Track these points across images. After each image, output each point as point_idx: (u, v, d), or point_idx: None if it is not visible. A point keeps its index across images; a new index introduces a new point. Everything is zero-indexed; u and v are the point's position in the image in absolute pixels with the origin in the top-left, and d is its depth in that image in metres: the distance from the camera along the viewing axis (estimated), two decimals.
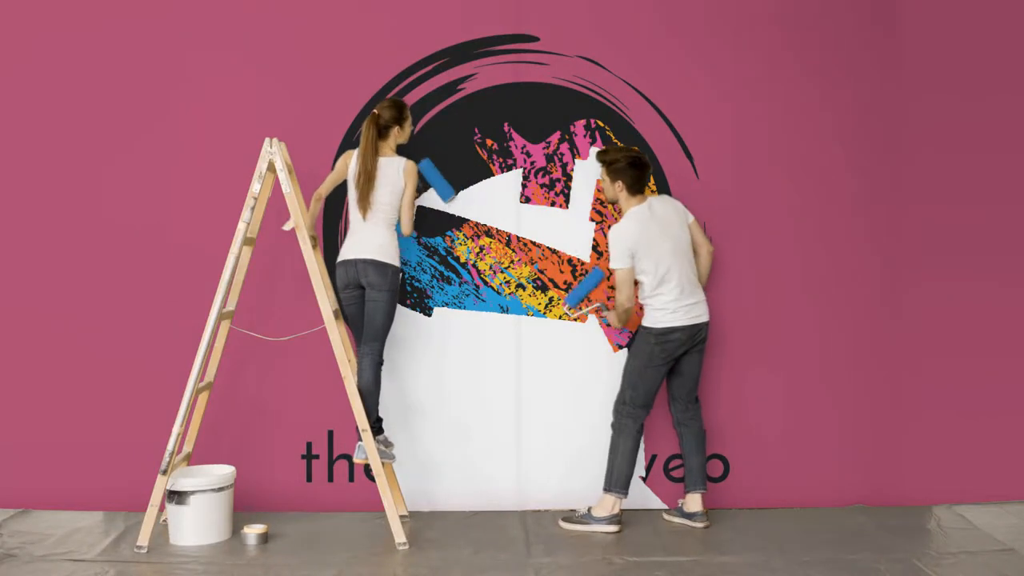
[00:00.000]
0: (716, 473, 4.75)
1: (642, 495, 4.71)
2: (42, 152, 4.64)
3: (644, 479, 4.74)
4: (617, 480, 4.40)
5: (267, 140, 4.25)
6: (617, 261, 4.33)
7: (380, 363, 4.35)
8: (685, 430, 4.52)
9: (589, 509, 4.44)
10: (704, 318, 4.41)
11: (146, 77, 4.63)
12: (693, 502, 4.47)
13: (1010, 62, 4.75)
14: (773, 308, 4.74)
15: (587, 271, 4.70)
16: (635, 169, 4.36)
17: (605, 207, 4.71)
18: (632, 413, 4.43)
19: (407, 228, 4.35)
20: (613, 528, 4.37)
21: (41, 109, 4.64)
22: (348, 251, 4.32)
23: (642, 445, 4.72)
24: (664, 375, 4.43)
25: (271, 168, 4.28)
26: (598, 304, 4.62)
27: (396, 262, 4.32)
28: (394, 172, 4.29)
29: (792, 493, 4.74)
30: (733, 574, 3.90)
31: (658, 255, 4.31)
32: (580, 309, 4.68)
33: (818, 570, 3.91)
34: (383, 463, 4.30)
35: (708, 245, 4.50)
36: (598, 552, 4.13)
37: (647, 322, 4.40)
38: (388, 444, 4.41)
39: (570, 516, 4.47)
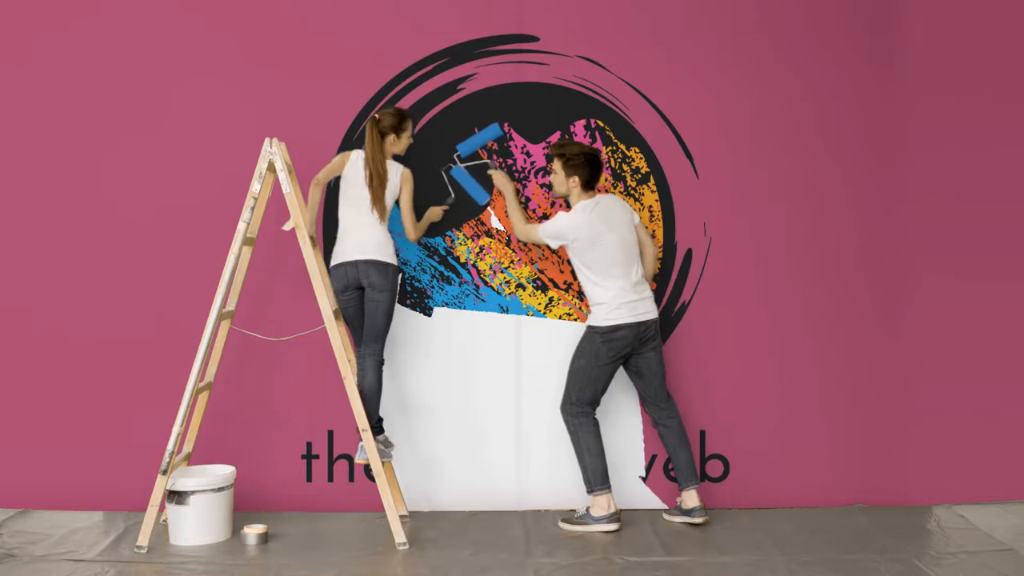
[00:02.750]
0: (716, 473, 4.75)
1: (642, 495, 4.72)
2: (42, 152, 4.64)
3: (644, 479, 4.74)
4: (595, 478, 4.41)
5: (267, 140, 4.25)
6: (544, 232, 4.38)
7: (382, 363, 4.36)
8: (665, 429, 4.52)
9: (588, 510, 4.44)
10: (651, 315, 4.42)
11: (146, 77, 4.63)
12: (689, 498, 4.47)
13: (1013, 59, 4.75)
14: (773, 308, 4.73)
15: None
16: (592, 167, 4.39)
17: None
18: (583, 411, 4.44)
19: (412, 234, 4.40)
20: (612, 527, 4.37)
21: (40, 108, 4.63)
22: (347, 252, 4.32)
23: (641, 444, 4.73)
24: (612, 373, 4.44)
25: (271, 168, 4.28)
26: (490, 164, 4.62)
27: (395, 261, 4.34)
28: (393, 176, 4.33)
29: (792, 493, 4.74)
30: (733, 574, 3.90)
31: (604, 249, 4.34)
32: (473, 161, 4.64)
33: (818, 570, 3.92)
34: (383, 463, 4.30)
35: (653, 246, 4.54)
36: (598, 552, 4.13)
37: (592, 321, 4.41)
38: (388, 444, 4.41)
39: (569, 517, 4.47)
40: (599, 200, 4.42)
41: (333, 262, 4.36)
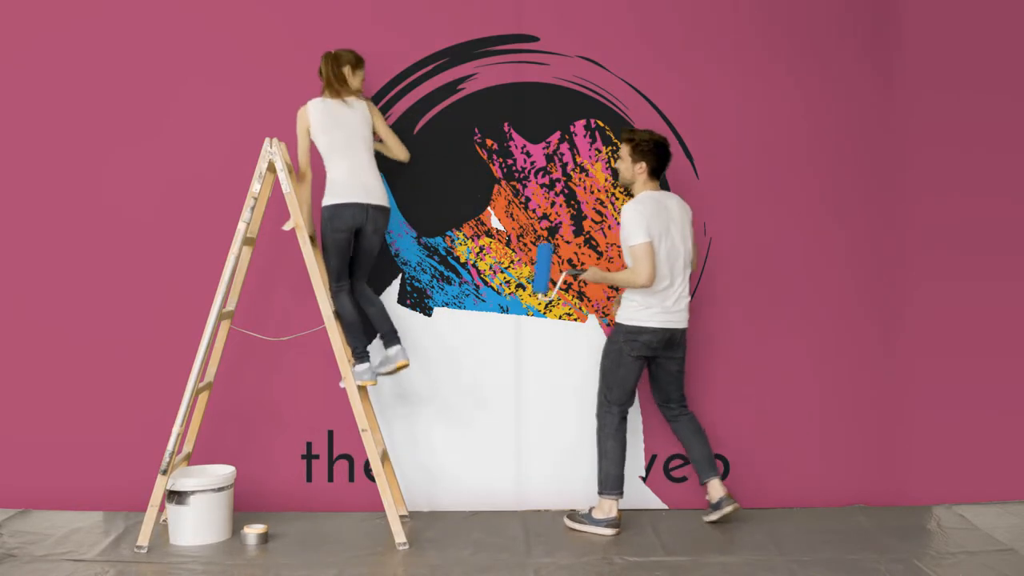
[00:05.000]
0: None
1: (642, 495, 4.71)
2: (42, 152, 4.64)
3: (644, 479, 4.74)
4: (606, 481, 4.38)
5: (267, 140, 4.25)
6: (637, 236, 4.21)
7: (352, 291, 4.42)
8: (678, 425, 4.51)
9: (590, 510, 4.44)
10: (681, 324, 4.36)
11: (146, 78, 4.63)
12: (713, 489, 4.43)
13: (1013, 58, 4.75)
14: (773, 307, 4.74)
15: (534, 253, 4.64)
16: (660, 154, 4.33)
17: (604, 207, 4.72)
18: (610, 412, 4.40)
19: (403, 153, 4.43)
20: (609, 532, 4.34)
21: (41, 108, 4.63)
22: (357, 193, 4.27)
23: (641, 444, 4.73)
24: (639, 371, 4.38)
25: (271, 168, 4.28)
26: (565, 273, 4.47)
27: None
28: (361, 108, 4.33)
29: (792, 493, 4.74)
30: (733, 574, 3.90)
31: (662, 251, 4.28)
32: (552, 289, 4.52)
33: (818, 570, 3.92)
34: (382, 463, 4.31)
35: (696, 250, 4.46)
36: (598, 552, 4.13)
37: (619, 318, 4.37)
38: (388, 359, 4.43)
39: (574, 514, 4.47)
40: (664, 195, 4.35)
41: (341, 200, 4.25)
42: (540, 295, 4.35)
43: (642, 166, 4.32)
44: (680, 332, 4.38)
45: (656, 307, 4.30)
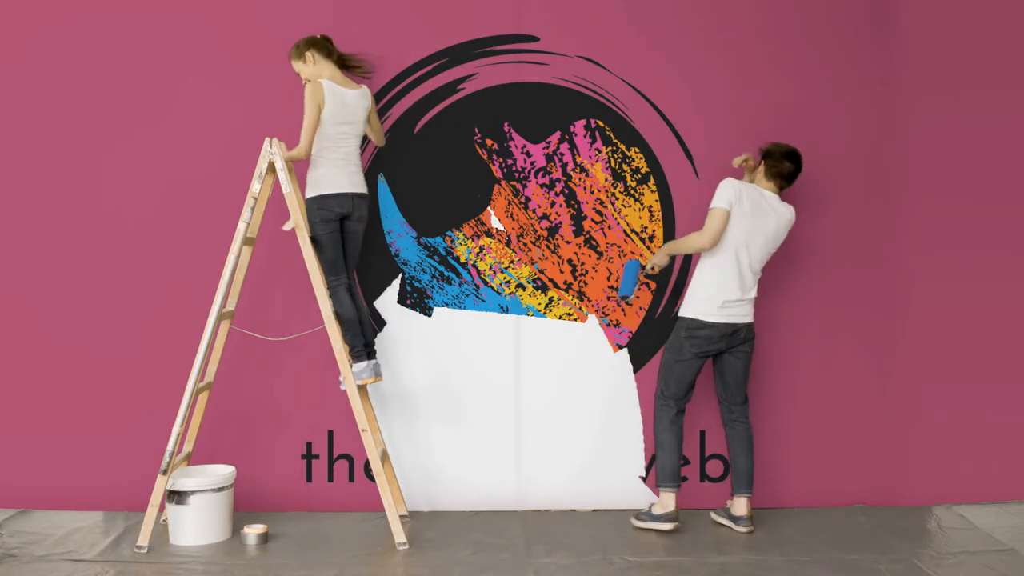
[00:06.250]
0: (716, 473, 4.75)
1: (642, 495, 4.71)
2: (41, 151, 4.63)
3: (644, 479, 4.74)
4: (661, 474, 4.38)
5: (267, 140, 4.25)
6: (718, 200, 4.26)
7: (350, 286, 4.40)
8: (730, 431, 4.49)
9: (650, 507, 4.42)
10: (744, 320, 4.34)
11: (146, 77, 4.63)
12: (739, 505, 4.41)
13: (1013, 58, 4.75)
14: (772, 307, 4.73)
15: (623, 264, 4.64)
16: (778, 158, 4.34)
17: (604, 207, 4.72)
18: (666, 404, 4.41)
19: (382, 139, 4.55)
20: (667, 526, 4.34)
21: (41, 107, 4.63)
22: (343, 183, 4.29)
23: (642, 444, 4.73)
24: (698, 367, 4.39)
25: (271, 168, 4.28)
26: (644, 275, 4.60)
27: None
28: (365, 96, 4.36)
29: (792, 493, 4.74)
30: (733, 574, 3.90)
31: (737, 235, 4.27)
32: (636, 292, 4.64)
33: (818, 570, 3.92)
34: (382, 463, 4.31)
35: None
36: (598, 552, 4.13)
37: (682, 311, 4.39)
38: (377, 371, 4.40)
39: (638, 513, 4.46)
40: (775, 200, 4.35)
41: (328, 191, 4.26)
42: (625, 298, 4.45)
43: (763, 166, 4.38)
44: (744, 327, 4.37)
45: (718, 300, 4.29)
